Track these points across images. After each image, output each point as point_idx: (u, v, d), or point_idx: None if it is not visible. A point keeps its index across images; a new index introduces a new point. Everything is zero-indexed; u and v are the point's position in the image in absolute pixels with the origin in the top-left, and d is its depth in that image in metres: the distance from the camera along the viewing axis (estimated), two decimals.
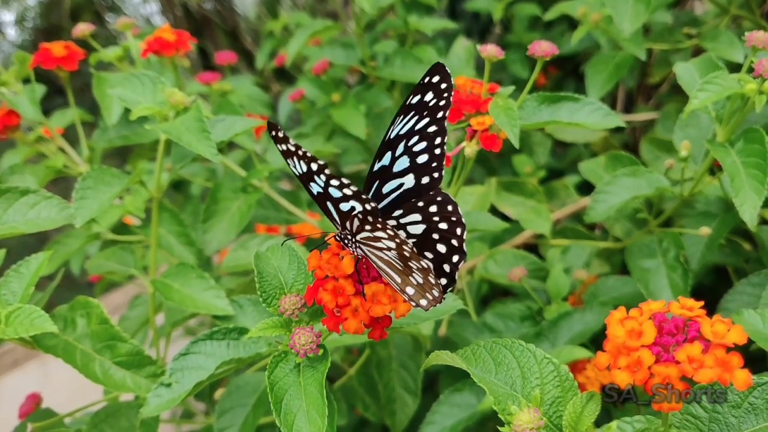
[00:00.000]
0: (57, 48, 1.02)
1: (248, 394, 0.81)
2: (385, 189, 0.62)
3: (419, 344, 1.01)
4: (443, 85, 0.60)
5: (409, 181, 0.61)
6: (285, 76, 2.32)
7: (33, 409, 0.95)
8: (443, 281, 0.59)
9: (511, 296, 1.30)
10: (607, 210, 0.93)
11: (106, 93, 0.99)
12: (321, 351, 0.58)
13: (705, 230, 0.91)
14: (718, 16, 1.28)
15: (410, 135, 0.61)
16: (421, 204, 0.60)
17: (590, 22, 1.21)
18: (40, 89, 1.07)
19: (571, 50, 1.50)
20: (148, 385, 0.73)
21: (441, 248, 0.59)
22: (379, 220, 0.54)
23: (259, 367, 0.85)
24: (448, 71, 0.60)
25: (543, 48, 0.78)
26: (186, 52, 1.24)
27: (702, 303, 0.46)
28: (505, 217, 1.24)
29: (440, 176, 0.61)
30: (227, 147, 1.33)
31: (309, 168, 0.55)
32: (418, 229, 0.60)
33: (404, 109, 0.61)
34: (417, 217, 0.60)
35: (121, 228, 1.13)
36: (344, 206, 0.57)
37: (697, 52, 1.32)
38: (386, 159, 0.61)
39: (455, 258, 0.59)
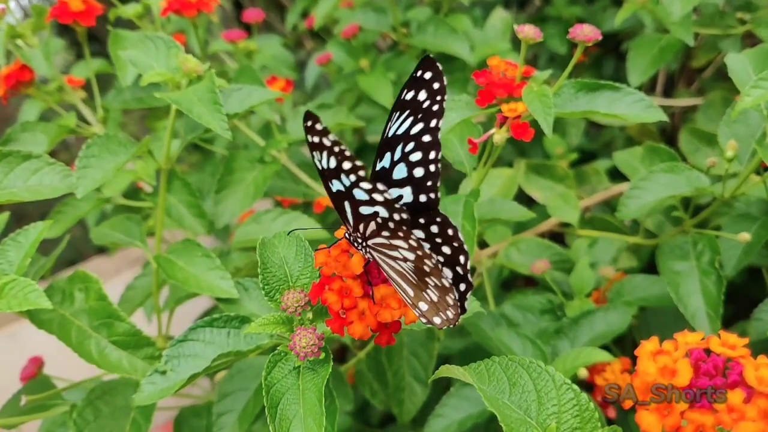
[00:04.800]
0: (74, 2, 0.98)
1: (251, 378, 0.78)
2: None
3: (432, 332, 0.97)
4: (435, 85, 0.53)
5: (407, 194, 0.55)
6: (319, 34, 2.25)
7: (35, 374, 0.93)
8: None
9: (532, 285, 1.26)
10: (641, 208, 0.88)
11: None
12: (323, 354, 0.54)
13: (744, 236, 0.85)
14: None
15: (407, 139, 0.54)
16: (422, 221, 0.55)
17: (636, 3, 1.14)
18: (56, 44, 1.03)
19: (613, 28, 1.43)
20: (144, 367, 0.70)
21: (447, 273, 0.53)
22: (404, 230, 0.49)
23: (264, 351, 0.82)
24: (440, 68, 0.53)
25: (585, 32, 0.72)
26: (214, 9, 1.19)
27: (746, 341, 0.41)
28: (531, 200, 1.19)
29: (437, 197, 0.55)
30: (248, 112, 1.28)
31: (339, 166, 0.49)
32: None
33: (399, 105, 0.54)
34: (420, 233, 0.54)
35: (134, 193, 1.09)
36: (365, 209, 0.51)
37: (748, 37, 1.25)
38: (386, 160, 0.55)
39: (462, 286, 0.53)
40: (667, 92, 1.66)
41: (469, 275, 0.53)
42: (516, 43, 1.47)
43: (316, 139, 0.48)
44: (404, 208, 0.51)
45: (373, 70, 1.38)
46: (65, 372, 0.91)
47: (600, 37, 0.72)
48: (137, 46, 0.79)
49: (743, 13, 1.19)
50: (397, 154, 0.54)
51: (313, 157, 0.51)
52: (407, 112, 0.54)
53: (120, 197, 1.02)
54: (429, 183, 0.54)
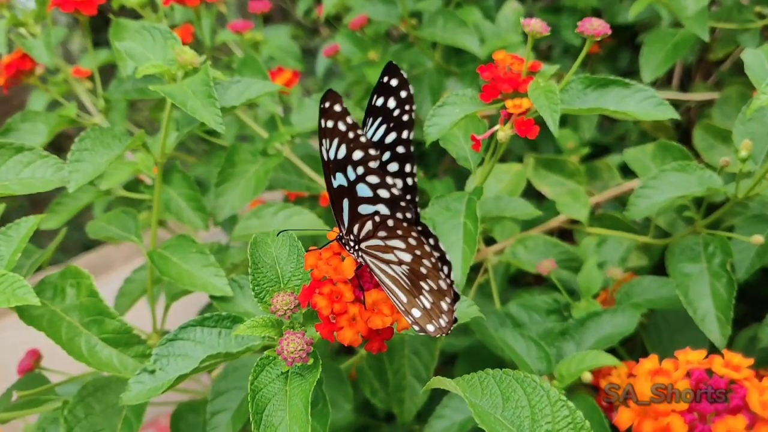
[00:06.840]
0: None
1: (246, 377, 0.75)
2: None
3: None
4: (403, 94, 0.51)
5: (383, 210, 0.51)
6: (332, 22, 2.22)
7: (32, 366, 0.92)
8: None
9: (541, 281, 1.24)
10: (650, 207, 0.85)
11: None
12: (311, 360, 0.52)
13: (758, 238, 0.82)
14: None
15: (382, 148, 0.52)
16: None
17: None
18: (58, 32, 1.02)
19: (628, 20, 1.39)
20: (134, 366, 0.68)
21: (432, 285, 0.51)
22: (404, 227, 0.47)
23: (256, 352, 0.80)
24: (404, 75, 0.51)
25: (594, 26, 0.70)
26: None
27: (751, 361, 0.39)
28: (540, 196, 1.17)
29: (417, 213, 0.52)
30: (253, 104, 1.26)
31: (349, 156, 0.47)
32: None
33: (371, 111, 0.52)
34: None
35: (135, 184, 1.08)
36: (365, 208, 0.49)
37: (766, 31, 1.21)
38: None
39: (447, 299, 0.51)
40: (684, 84, 1.62)
41: (453, 286, 0.50)
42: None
43: (329, 124, 0.46)
44: (410, 207, 0.49)
45: (381, 62, 1.35)
46: (71, 362, 0.90)
47: (609, 32, 0.70)
48: (135, 37, 0.77)
49: (762, 7, 1.15)
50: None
51: (321, 144, 0.49)
52: (379, 119, 0.52)
53: (121, 189, 1.01)
54: (408, 196, 0.52)
